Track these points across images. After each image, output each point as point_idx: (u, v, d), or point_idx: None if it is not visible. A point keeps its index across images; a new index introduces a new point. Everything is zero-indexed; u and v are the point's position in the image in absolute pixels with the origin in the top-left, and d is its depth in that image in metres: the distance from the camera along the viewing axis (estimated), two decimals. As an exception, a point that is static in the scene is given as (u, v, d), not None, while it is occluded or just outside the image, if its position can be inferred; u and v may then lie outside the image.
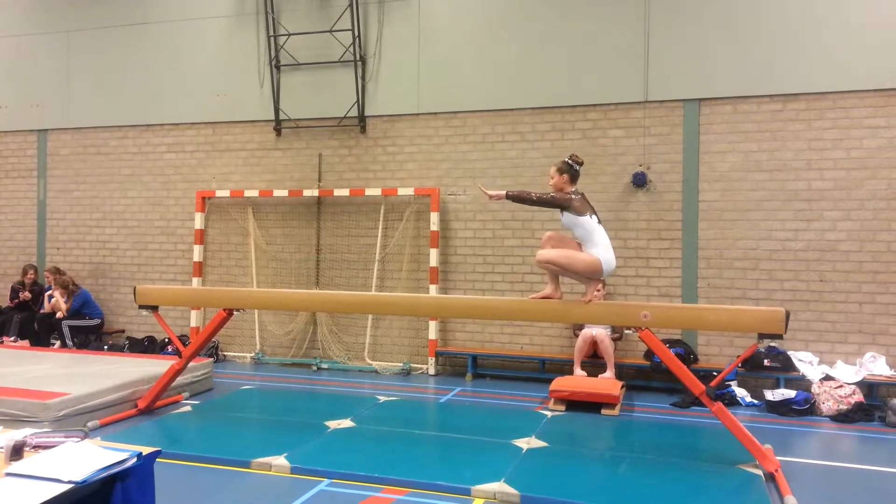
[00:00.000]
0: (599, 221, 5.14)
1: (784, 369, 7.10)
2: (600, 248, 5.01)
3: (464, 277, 8.55)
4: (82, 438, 2.94)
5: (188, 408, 6.37)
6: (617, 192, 8.02)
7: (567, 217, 5.10)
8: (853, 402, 6.39)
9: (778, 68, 7.51)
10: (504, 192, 5.22)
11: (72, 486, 2.45)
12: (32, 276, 9.91)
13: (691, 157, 7.76)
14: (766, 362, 7.13)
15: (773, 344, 7.11)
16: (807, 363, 7.18)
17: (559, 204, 5.10)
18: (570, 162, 5.21)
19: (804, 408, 6.50)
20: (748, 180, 7.60)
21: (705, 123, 7.74)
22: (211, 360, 7.78)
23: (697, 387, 4.86)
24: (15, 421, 5.16)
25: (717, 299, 7.60)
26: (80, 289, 9.34)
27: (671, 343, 7.37)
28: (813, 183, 7.43)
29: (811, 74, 7.40)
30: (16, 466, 2.61)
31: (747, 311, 5.03)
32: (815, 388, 6.68)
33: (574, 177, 5.22)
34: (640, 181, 7.85)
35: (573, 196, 5.09)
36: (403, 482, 4.41)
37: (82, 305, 9.18)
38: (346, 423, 5.81)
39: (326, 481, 4.46)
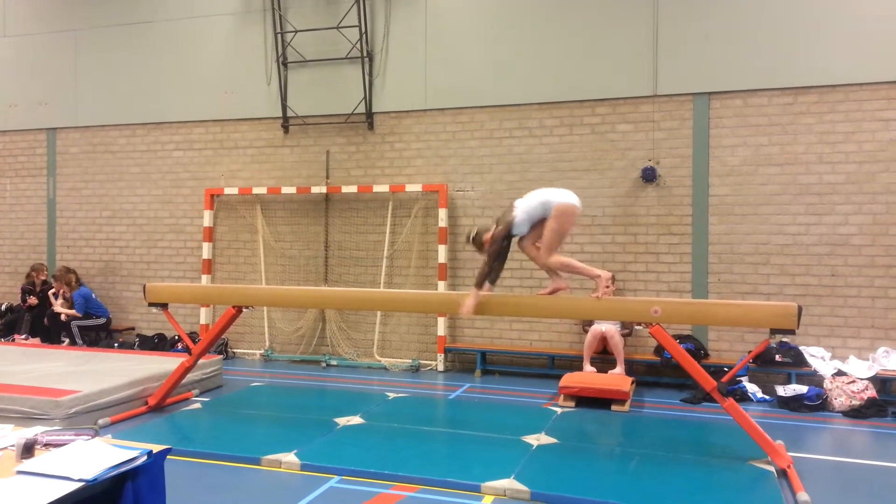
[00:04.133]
0: (520, 199, 5.17)
1: (796, 365, 7.04)
2: (543, 198, 5.04)
3: (472, 274, 8.49)
4: (93, 436, 2.95)
5: (198, 405, 6.39)
6: (626, 187, 7.97)
7: (517, 228, 5.10)
8: (866, 397, 6.34)
9: (789, 61, 7.43)
10: (472, 293, 5.11)
11: (82, 484, 2.46)
12: (43, 276, 9.95)
13: (701, 152, 7.70)
14: (777, 358, 7.08)
15: (784, 339, 7.07)
16: (819, 358, 7.12)
17: (503, 236, 5.09)
18: (473, 237, 5.34)
19: (816, 403, 6.45)
20: (759, 174, 7.54)
21: (715, 117, 7.68)
22: (220, 357, 7.79)
23: (709, 382, 4.82)
24: (26, 418, 5.19)
25: (728, 294, 7.54)
26: (80, 285, 9.35)
27: (681, 339, 7.33)
28: (824, 177, 7.36)
29: (823, 67, 7.32)
30: (27, 464, 2.62)
31: (759, 307, 4.98)
32: (827, 384, 6.62)
33: (479, 242, 5.28)
34: (649, 176, 7.80)
35: (496, 226, 5.15)
36: (413, 479, 4.40)
37: (86, 304, 9.22)
38: (356, 419, 5.81)
39: (336, 478, 4.46)
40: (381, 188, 8.73)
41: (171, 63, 9.75)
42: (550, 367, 7.97)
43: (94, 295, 9.46)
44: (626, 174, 7.98)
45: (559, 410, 6.30)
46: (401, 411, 6.23)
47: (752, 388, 6.92)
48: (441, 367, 8.36)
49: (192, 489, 4.24)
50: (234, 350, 9.29)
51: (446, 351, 8.40)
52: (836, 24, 7.28)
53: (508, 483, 4.26)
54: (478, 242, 5.32)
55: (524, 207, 5.10)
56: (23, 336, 9.48)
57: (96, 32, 10.12)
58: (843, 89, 7.28)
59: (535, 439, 5.25)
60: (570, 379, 6.67)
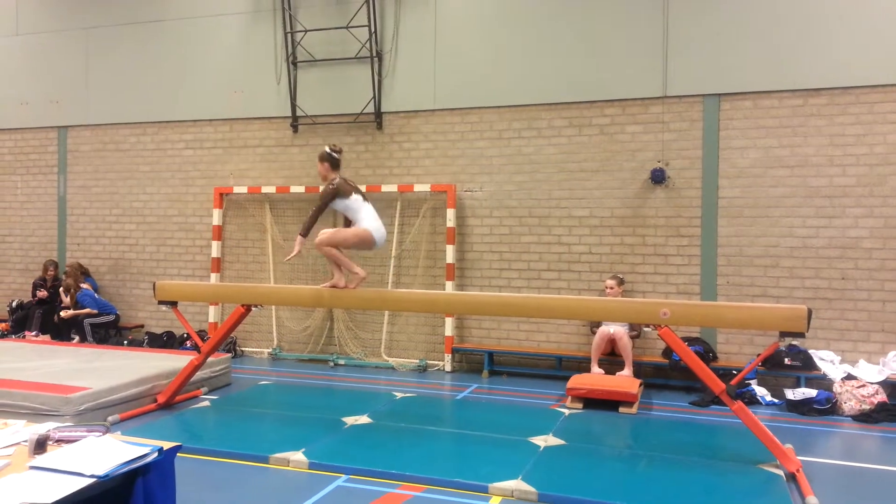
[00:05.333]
0: (365, 199, 5.67)
1: (805, 368, 7.01)
2: (368, 220, 5.57)
3: (480, 274, 8.53)
4: (104, 433, 2.97)
5: (207, 403, 6.42)
6: (635, 188, 7.95)
7: (337, 203, 5.61)
8: (876, 401, 6.30)
9: (799, 62, 7.40)
10: (297, 240, 5.64)
11: (94, 479, 2.47)
12: (53, 273, 10.03)
13: (711, 153, 7.68)
14: (786, 361, 7.05)
15: (794, 342, 7.03)
16: (828, 362, 7.08)
17: (329, 198, 5.57)
18: (328, 151, 5.69)
19: (826, 407, 6.42)
20: (769, 176, 7.51)
21: (725, 119, 7.65)
22: (229, 355, 7.83)
23: (718, 385, 4.80)
24: (37, 414, 5.23)
25: (737, 297, 7.51)
26: (81, 289, 9.42)
27: (690, 341, 7.30)
28: (835, 179, 7.32)
29: (833, 68, 7.28)
30: (39, 460, 2.64)
31: (769, 309, 4.96)
32: (836, 388, 6.59)
33: (334, 164, 5.70)
34: (658, 177, 7.77)
35: (335, 182, 5.58)
36: (420, 478, 4.41)
37: (95, 303, 9.30)
38: (363, 419, 5.83)
39: (344, 477, 4.48)
40: (390, 188, 8.74)
41: (181, 62, 9.79)
42: (558, 368, 7.96)
43: (97, 295, 9.53)
44: (635, 175, 7.96)
45: (567, 412, 6.29)
46: (408, 411, 6.24)
47: (760, 392, 6.89)
48: (448, 368, 8.37)
49: (201, 486, 4.26)
50: (243, 348, 9.32)
51: (454, 351, 8.40)
52: (848, 25, 7.24)
53: (516, 484, 4.26)
54: (331, 160, 5.67)
55: (349, 203, 5.59)
56: (33, 333, 9.55)
57: (107, 31, 10.17)
58: (854, 91, 7.24)
59: (543, 440, 5.25)
60: (577, 380, 6.66)
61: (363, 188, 6.29)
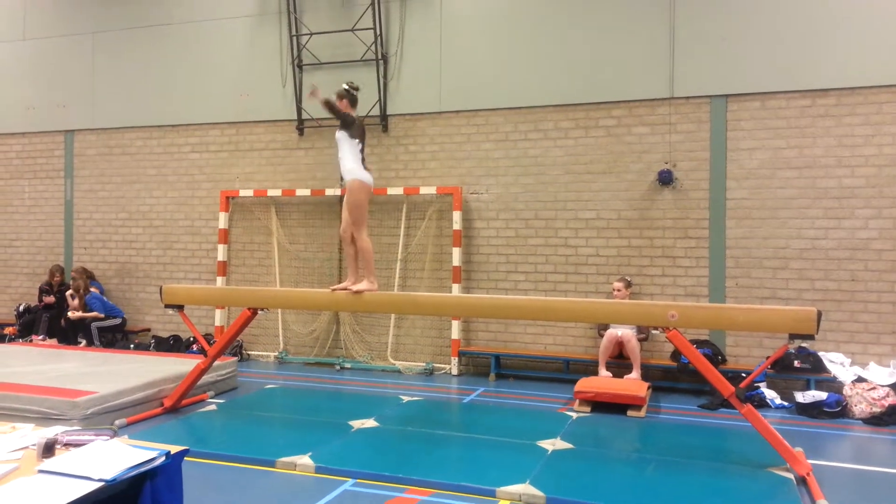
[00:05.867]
0: (362, 150, 5.75)
1: (814, 371, 6.96)
2: (357, 168, 5.67)
3: (487, 276, 8.50)
4: (112, 437, 2.96)
5: (213, 406, 6.41)
6: (642, 189, 7.92)
7: (340, 133, 5.71)
8: (887, 404, 6.24)
9: (807, 62, 7.36)
10: (321, 98, 5.59)
11: (102, 483, 2.47)
12: (59, 278, 10.06)
13: (718, 154, 7.64)
14: (796, 363, 7.00)
15: (803, 345, 6.93)
16: (838, 364, 7.03)
17: (346, 120, 5.67)
18: (347, 88, 5.80)
19: (836, 410, 6.36)
20: (777, 178, 7.47)
21: (733, 120, 7.61)
22: (235, 358, 7.82)
23: (727, 388, 4.77)
24: (44, 418, 5.22)
25: (746, 299, 7.47)
26: (90, 291, 9.45)
27: (698, 343, 7.26)
28: (844, 180, 7.27)
29: (842, 68, 7.24)
30: (48, 464, 2.63)
31: (778, 311, 4.92)
32: (846, 390, 6.53)
33: (353, 101, 5.83)
34: (665, 179, 7.74)
35: (356, 118, 5.77)
36: (428, 482, 4.39)
37: (103, 306, 9.33)
38: (370, 422, 5.80)
39: (351, 481, 4.46)
40: (396, 191, 8.73)
41: (187, 65, 9.82)
42: (565, 371, 7.93)
43: (101, 297, 9.56)
44: (642, 177, 7.93)
45: (574, 415, 6.25)
46: (415, 415, 6.22)
47: (770, 395, 6.84)
48: (455, 371, 8.34)
49: (208, 490, 4.25)
50: (249, 352, 9.32)
51: (460, 354, 8.38)
52: (855, 24, 7.20)
53: (524, 488, 4.24)
54: (350, 97, 5.82)
55: (350, 144, 5.67)
56: (40, 337, 9.57)
57: (113, 35, 10.21)
58: (862, 91, 7.20)
59: (551, 444, 5.22)
60: (585, 384, 6.63)
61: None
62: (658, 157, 7.86)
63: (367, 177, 5.72)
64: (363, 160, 5.75)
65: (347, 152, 5.69)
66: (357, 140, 5.70)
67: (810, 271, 7.34)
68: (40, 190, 10.75)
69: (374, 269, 5.82)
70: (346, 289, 5.79)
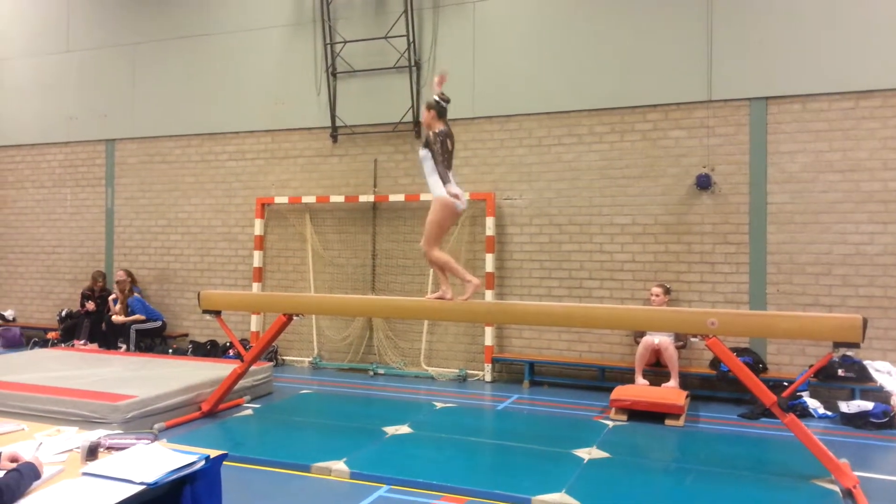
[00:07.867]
0: (448, 165, 5.35)
1: (859, 380, 6.75)
2: (437, 186, 5.29)
3: (520, 283, 8.45)
4: (153, 440, 3.00)
5: (249, 411, 6.48)
6: (679, 194, 7.80)
7: (423, 151, 5.37)
8: (937, 415, 6.02)
9: (849, 64, 7.17)
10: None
11: (144, 486, 2.50)
12: (101, 284, 10.29)
13: (758, 158, 7.48)
14: (840, 372, 6.79)
15: (847, 353, 6.78)
16: (884, 373, 6.80)
17: (427, 139, 5.33)
18: (437, 99, 5.42)
19: (883, 421, 6.16)
20: (819, 181, 7.28)
21: (773, 122, 7.45)
22: (271, 364, 7.90)
23: (768, 397, 4.64)
24: (86, 422, 5.33)
25: (787, 306, 7.28)
26: (133, 294, 9.66)
27: (738, 352, 7.09)
28: (889, 184, 7.05)
29: (886, 69, 7.03)
30: (91, 466, 2.68)
31: (822, 319, 4.79)
32: (894, 400, 6.32)
33: (441, 112, 5.41)
34: (704, 183, 7.60)
35: (438, 132, 5.29)
36: (462, 490, 4.36)
37: (144, 309, 9.54)
38: (404, 428, 5.80)
39: (385, 487, 4.45)
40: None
41: (224, 75, 9.99)
42: (601, 379, 7.82)
43: (143, 301, 9.76)
44: (679, 181, 7.80)
45: (611, 424, 6.16)
46: (448, 421, 6.19)
47: (813, 404, 6.65)
48: (488, 378, 8.30)
49: (245, 494, 4.28)
50: (284, 357, 9.41)
51: (494, 361, 8.33)
52: (902, 25, 6.99)
53: (560, 497, 4.18)
54: (438, 108, 5.40)
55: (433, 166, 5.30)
56: (82, 341, 9.80)
57: (153, 46, 10.44)
58: (909, 93, 6.99)
59: (587, 453, 5.15)
60: (621, 392, 6.53)
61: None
62: (696, 160, 7.73)
63: (445, 195, 5.29)
64: (448, 174, 5.33)
65: (429, 170, 5.37)
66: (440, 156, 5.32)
67: (855, 277, 7.13)
68: (82, 198, 11.03)
69: (464, 273, 5.53)
70: (441, 298, 5.52)
